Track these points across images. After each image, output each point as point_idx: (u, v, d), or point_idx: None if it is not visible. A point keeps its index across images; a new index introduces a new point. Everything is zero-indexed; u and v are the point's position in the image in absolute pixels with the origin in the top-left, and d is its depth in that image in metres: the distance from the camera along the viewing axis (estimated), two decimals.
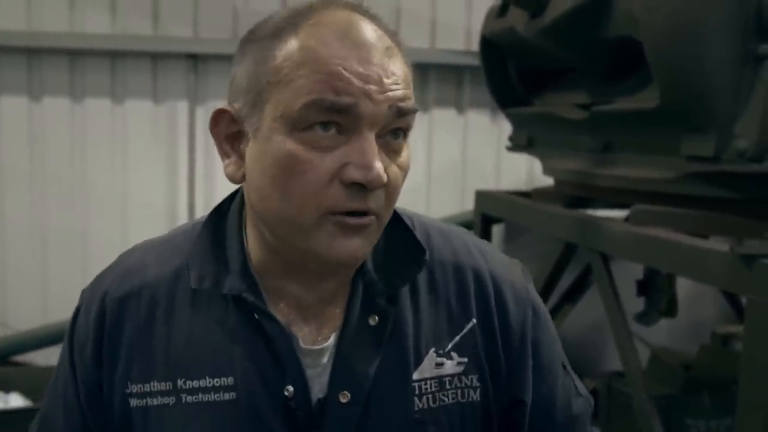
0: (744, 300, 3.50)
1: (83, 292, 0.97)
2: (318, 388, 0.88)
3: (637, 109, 2.17)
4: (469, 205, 3.65)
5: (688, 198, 2.15)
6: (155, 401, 0.88)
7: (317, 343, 0.89)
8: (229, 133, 0.87)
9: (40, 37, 3.44)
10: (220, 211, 0.95)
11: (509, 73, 2.84)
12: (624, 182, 2.35)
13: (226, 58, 3.60)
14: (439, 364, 0.91)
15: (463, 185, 3.81)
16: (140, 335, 0.90)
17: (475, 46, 3.39)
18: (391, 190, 0.83)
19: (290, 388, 0.86)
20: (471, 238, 1.01)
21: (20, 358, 3.50)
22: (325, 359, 0.88)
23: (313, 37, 0.80)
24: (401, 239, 0.92)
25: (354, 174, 0.78)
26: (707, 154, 1.97)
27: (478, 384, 0.92)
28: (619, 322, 2.30)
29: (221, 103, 3.33)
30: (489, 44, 2.82)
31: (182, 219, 3.62)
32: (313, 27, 0.80)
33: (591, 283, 3.16)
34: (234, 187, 0.93)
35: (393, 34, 0.85)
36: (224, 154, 0.88)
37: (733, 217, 2.08)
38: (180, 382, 0.88)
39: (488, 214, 3.14)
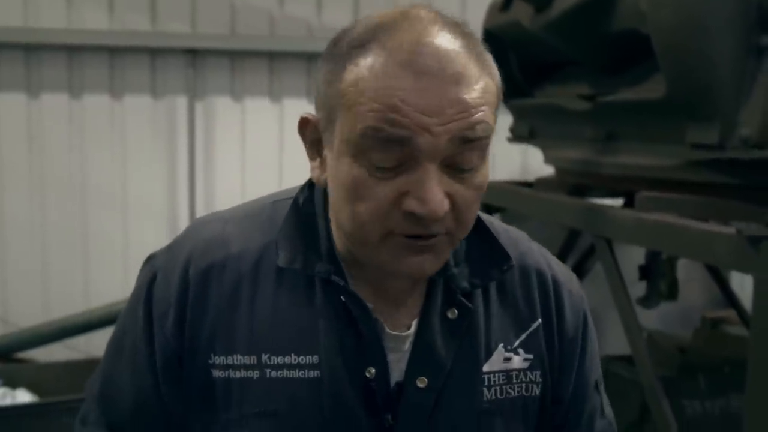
0: (734, 285, 3.63)
1: (153, 259, 0.97)
2: (397, 373, 0.90)
3: (642, 99, 2.25)
4: None
5: (691, 185, 2.24)
6: (238, 374, 0.89)
7: (399, 330, 0.91)
8: (312, 138, 0.88)
9: (37, 33, 3.45)
10: (305, 193, 0.96)
11: (511, 65, 2.91)
12: (627, 170, 2.43)
13: (224, 53, 3.64)
14: (507, 359, 0.94)
15: None
16: (224, 308, 0.90)
17: None
18: (460, 211, 0.82)
19: (372, 369, 0.89)
20: (535, 244, 1.04)
21: (22, 354, 3.50)
22: (406, 346, 0.91)
23: (377, 64, 0.78)
24: (482, 240, 0.94)
25: (411, 206, 0.79)
26: (711, 142, 2.06)
27: (540, 380, 0.96)
28: (626, 305, 2.38)
29: (219, 98, 3.34)
30: (492, 37, 2.89)
31: (183, 214, 3.65)
32: (381, 52, 0.79)
33: (589, 270, 3.25)
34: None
35: (470, 51, 0.81)
36: (310, 158, 0.90)
37: (735, 202, 2.17)
38: (264, 357, 0.89)
39: (489, 203, 3.21)
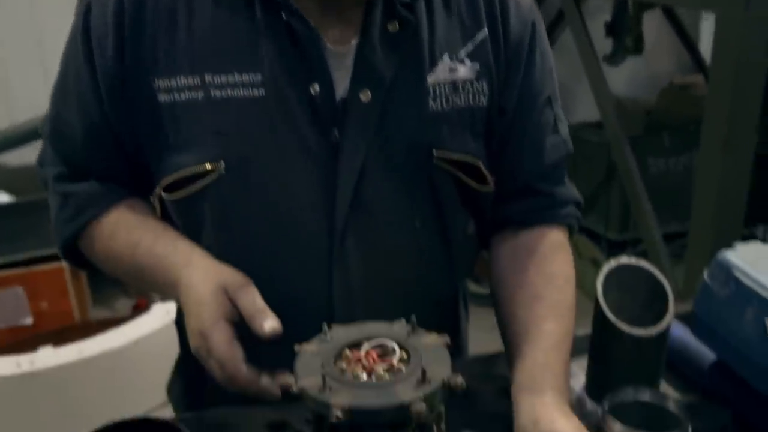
0: (703, 50, 3.63)
1: None
2: (342, 89, 0.90)
3: None
4: None
5: None
6: (183, 96, 0.89)
7: (341, 46, 0.90)
8: None
9: None
10: None
11: None
12: None
13: None
14: (453, 69, 0.94)
15: None
16: (163, 27, 0.89)
17: None
18: None
19: (316, 86, 0.88)
20: None
21: None
22: (348, 61, 0.90)
23: None
24: None
25: None
26: None
27: (487, 91, 0.96)
28: (593, 64, 2.38)
29: None
30: None
31: None
32: None
33: (556, 39, 3.21)
34: None
35: None
36: None
37: None
38: (208, 77, 0.88)
39: None
